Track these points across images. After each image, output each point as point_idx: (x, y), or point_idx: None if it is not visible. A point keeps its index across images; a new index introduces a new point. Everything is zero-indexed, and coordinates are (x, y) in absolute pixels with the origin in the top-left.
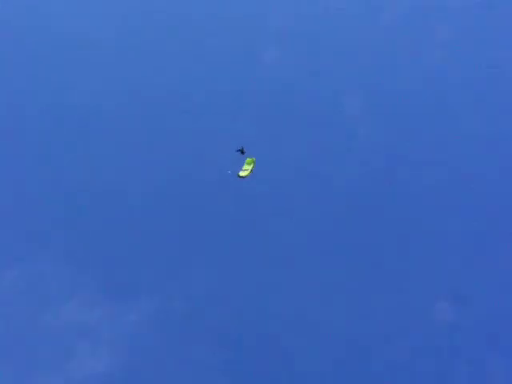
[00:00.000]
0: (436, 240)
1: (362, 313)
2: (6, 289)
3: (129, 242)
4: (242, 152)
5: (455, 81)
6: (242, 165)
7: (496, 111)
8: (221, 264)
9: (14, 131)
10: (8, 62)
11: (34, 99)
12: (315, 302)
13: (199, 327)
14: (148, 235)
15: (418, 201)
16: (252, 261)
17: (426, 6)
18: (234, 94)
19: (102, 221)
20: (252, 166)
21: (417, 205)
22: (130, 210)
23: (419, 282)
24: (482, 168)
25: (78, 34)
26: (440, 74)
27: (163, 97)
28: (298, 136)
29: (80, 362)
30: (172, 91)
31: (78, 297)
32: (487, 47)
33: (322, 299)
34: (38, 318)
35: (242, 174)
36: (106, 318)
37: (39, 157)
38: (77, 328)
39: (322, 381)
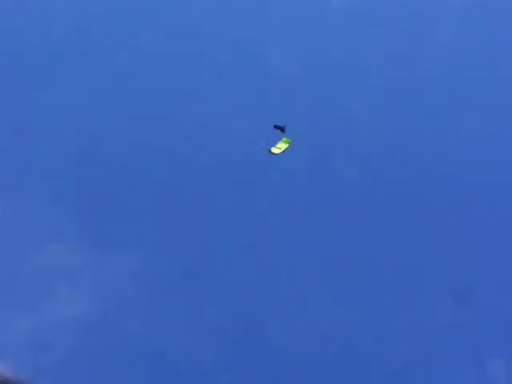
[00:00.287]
0: (436, 240)
1: (361, 312)
2: None
3: (122, 193)
4: (282, 130)
5: (456, 80)
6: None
7: (498, 112)
8: (213, 224)
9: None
10: None
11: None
12: (314, 300)
13: (184, 284)
14: (143, 189)
15: (418, 200)
16: (246, 226)
17: (426, 6)
18: (233, 93)
19: (100, 169)
20: (287, 146)
21: (417, 204)
22: (127, 160)
23: (419, 281)
24: (482, 169)
25: None
26: (441, 74)
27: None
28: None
29: (57, 304)
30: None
31: (64, 240)
32: (488, 46)
33: (320, 298)
34: (20, 254)
35: (274, 150)
36: (90, 265)
37: (33, 95)
38: (58, 270)
39: (320, 380)
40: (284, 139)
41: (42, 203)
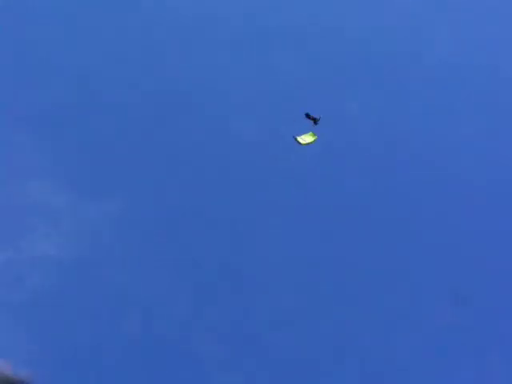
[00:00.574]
0: (436, 240)
1: (360, 312)
2: None
3: (111, 138)
4: (315, 121)
5: (457, 81)
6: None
7: (498, 112)
8: (200, 179)
9: None
10: None
11: None
12: (313, 299)
13: (165, 236)
14: (134, 138)
15: (418, 200)
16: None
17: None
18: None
19: (92, 113)
20: (311, 141)
21: (417, 204)
22: (118, 106)
23: (419, 282)
24: (482, 169)
25: None
26: (442, 73)
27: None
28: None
29: (33, 241)
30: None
31: (48, 179)
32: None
33: (319, 298)
34: (1, 188)
35: (299, 139)
36: (71, 207)
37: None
38: (38, 208)
39: (319, 379)
40: (311, 133)
41: (29, 140)
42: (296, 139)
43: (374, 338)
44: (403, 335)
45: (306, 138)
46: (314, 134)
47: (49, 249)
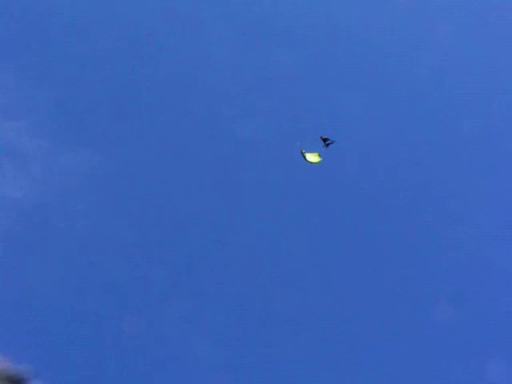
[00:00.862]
0: (435, 240)
1: (360, 312)
2: None
3: (97, 91)
4: (327, 144)
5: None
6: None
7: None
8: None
9: None
10: None
11: None
12: (313, 300)
13: (133, 194)
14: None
15: (419, 201)
16: None
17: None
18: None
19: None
20: (315, 161)
21: (417, 205)
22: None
23: (419, 282)
24: (482, 170)
25: None
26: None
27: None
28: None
29: None
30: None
31: (25, 122)
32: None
33: (319, 299)
34: None
35: (307, 156)
36: (43, 152)
37: None
38: (9, 149)
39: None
40: (317, 154)
41: (13, 79)
42: (303, 154)
43: (374, 338)
44: (403, 335)
45: (311, 157)
46: (320, 156)
47: (13, 191)
